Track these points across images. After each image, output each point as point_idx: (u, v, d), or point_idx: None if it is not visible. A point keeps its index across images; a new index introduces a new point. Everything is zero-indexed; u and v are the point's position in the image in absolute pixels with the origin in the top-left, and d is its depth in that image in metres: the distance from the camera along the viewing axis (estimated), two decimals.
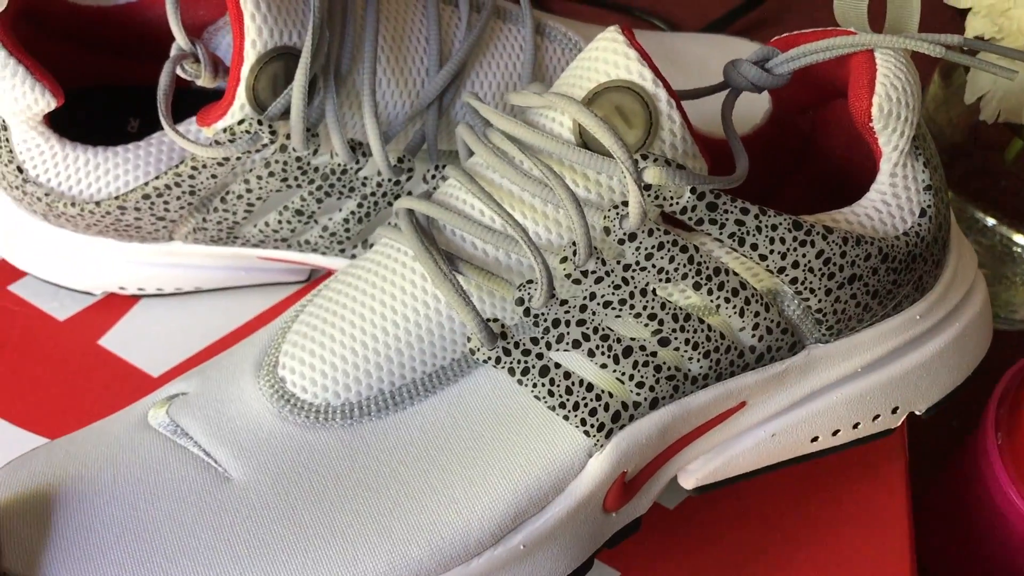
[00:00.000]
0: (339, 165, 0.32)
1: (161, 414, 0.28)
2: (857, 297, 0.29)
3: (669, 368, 0.28)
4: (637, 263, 0.27)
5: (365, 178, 0.33)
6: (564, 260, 0.27)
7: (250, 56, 0.30)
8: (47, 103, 0.31)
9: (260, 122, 0.31)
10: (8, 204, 0.36)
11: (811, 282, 0.28)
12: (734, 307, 0.28)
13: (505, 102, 0.35)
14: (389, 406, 0.28)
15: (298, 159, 0.32)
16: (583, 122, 0.26)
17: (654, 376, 0.28)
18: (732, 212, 0.27)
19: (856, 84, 0.29)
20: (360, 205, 0.33)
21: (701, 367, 0.28)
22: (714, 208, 0.27)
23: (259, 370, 0.28)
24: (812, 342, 0.30)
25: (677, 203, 0.27)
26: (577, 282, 0.27)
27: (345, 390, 0.27)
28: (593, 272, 0.27)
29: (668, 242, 0.27)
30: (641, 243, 0.27)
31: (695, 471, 0.31)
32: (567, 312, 0.27)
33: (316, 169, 0.32)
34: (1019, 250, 0.44)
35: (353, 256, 0.35)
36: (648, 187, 0.27)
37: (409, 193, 0.34)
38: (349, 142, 0.32)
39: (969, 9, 0.38)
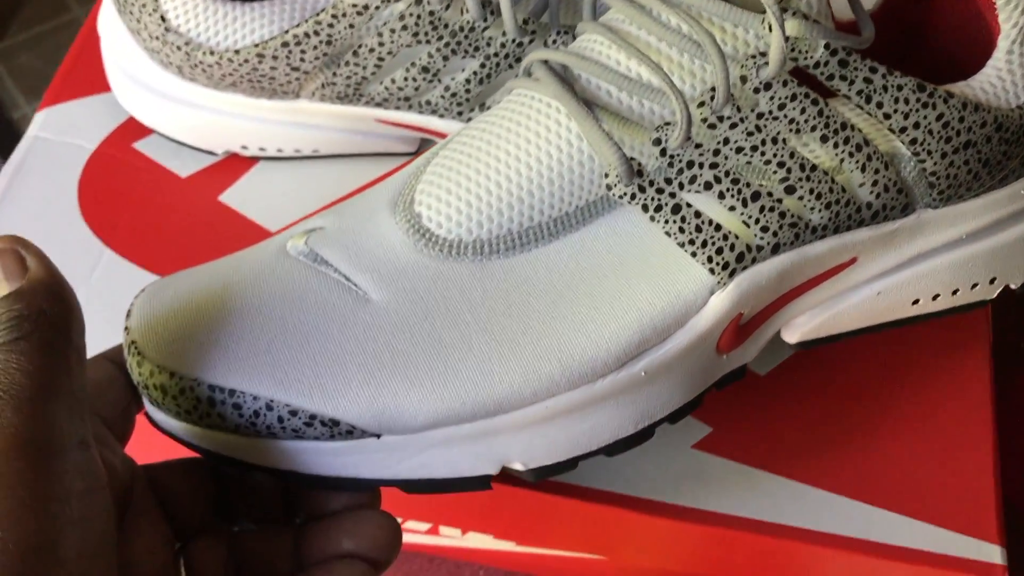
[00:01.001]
0: (468, 22, 0.34)
1: (300, 244, 0.30)
2: (970, 164, 0.31)
3: (792, 216, 0.29)
4: (770, 112, 0.28)
5: (490, 38, 0.34)
6: (701, 104, 0.28)
7: None
8: None
9: None
10: (141, 59, 0.38)
11: (929, 144, 0.30)
12: (856, 162, 0.29)
13: None
14: (517, 246, 0.29)
15: (431, 13, 0.34)
16: None
17: (778, 222, 0.29)
18: (861, 70, 0.29)
19: None
20: (483, 65, 0.35)
21: (821, 217, 0.30)
22: (845, 65, 0.28)
23: (395, 207, 0.30)
24: (923, 205, 0.31)
25: (811, 57, 0.28)
26: (712, 127, 0.28)
27: (477, 227, 0.29)
28: (728, 118, 0.28)
29: (801, 94, 0.28)
30: (775, 93, 0.28)
31: (801, 325, 0.32)
32: (701, 155, 0.28)
33: (446, 25, 0.34)
34: None
35: (469, 119, 0.37)
36: (787, 39, 0.28)
37: None
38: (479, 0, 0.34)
39: None
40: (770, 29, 0.28)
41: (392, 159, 0.40)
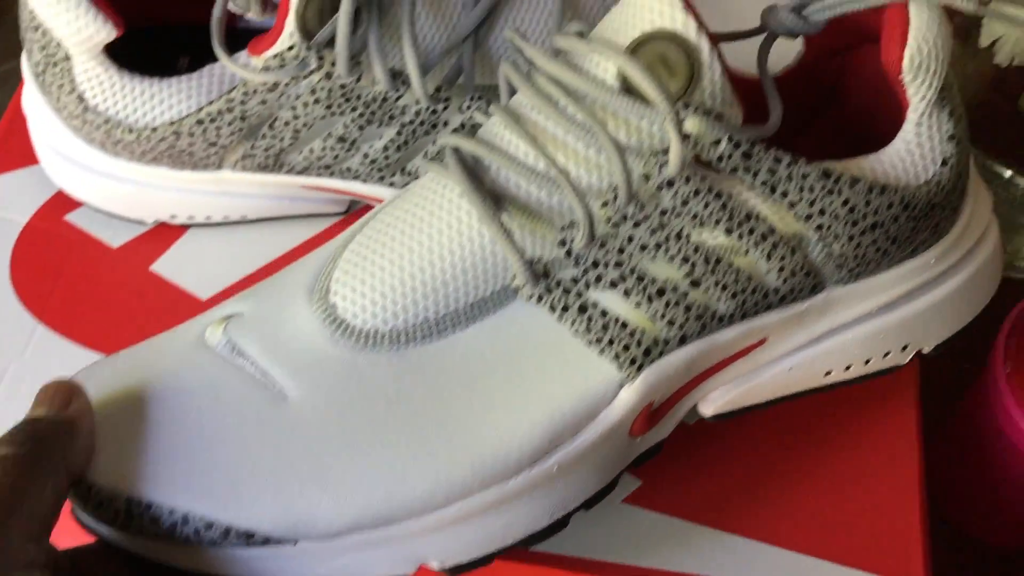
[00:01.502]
0: (380, 93, 0.34)
1: (218, 333, 0.30)
2: (878, 243, 0.31)
3: (698, 308, 0.30)
4: (673, 208, 0.28)
5: (404, 106, 0.35)
6: (604, 204, 0.28)
7: None
8: (108, 32, 0.33)
9: (308, 48, 0.33)
10: (66, 136, 0.38)
11: (835, 228, 0.30)
12: (762, 251, 0.30)
13: (548, 43, 0.37)
14: (433, 333, 0.29)
15: (342, 86, 0.34)
16: (628, 73, 0.27)
17: (684, 315, 0.30)
18: (765, 161, 0.29)
19: (889, 35, 0.30)
20: (399, 133, 0.35)
21: (728, 306, 0.30)
22: (748, 157, 0.28)
23: (312, 294, 0.30)
24: (832, 283, 0.31)
25: (714, 151, 0.28)
26: (616, 225, 0.28)
27: (393, 317, 0.29)
28: (632, 216, 0.28)
29: (704, 189, 0.28)
30: (678, 190, 0.28)
31: (715, 400, 0.33)
32: (606, 254, 0.29)
33: (359, 96, 0.34)
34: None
35: (392, 184, 0.37)
36: (687, 136, 0.28)
37: (446, 124, 0.35)
38: (390, 71, 0.34)
39: None
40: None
41: (324, 219, 0.41)
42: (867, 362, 0.34)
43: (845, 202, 0.30)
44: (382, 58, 0.33)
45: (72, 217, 0.41)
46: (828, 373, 0.34)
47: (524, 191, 0.29)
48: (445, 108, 0.35)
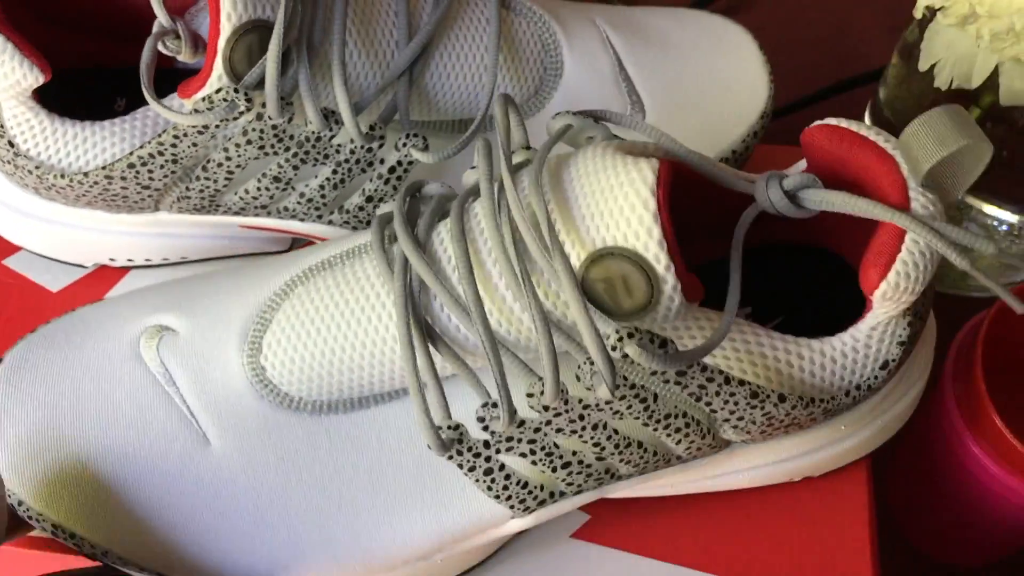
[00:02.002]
0: (313, 133, 0.34)
1: (152, 351, 0.32)
2: (790, 431, 0.32)
3: (600, 472, 0.31)
4: (596, 405, 0.29)
5: (339, 145, 0.34)
6: (531, 395, 0.28)
7: (226, 28, 0.31)
8: (35, 78, 0.33)
9: (236, 91, 0.32)
10: (1, 180, 0.37)
11: (751, 427, 0.30)
12: (673, 437, 0.30)
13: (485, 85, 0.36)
14: (353, 407, 0.31)
15: (274, 127, 0.34)
16: (571, 303, 0.26)
17: (584, 478, 0.31)
18: (696, 379, 0.28)
19: (875, 251, 0.28)
20: (335, 172, 0.35)
21: (628, 471, 0.31)
22: (683, 374, 0.28)
23: (243, 343, 0.31)
24: (736, 444, 0.32)
25: (645, 374, 0.28)
26: (538, 412, 0.29)
27: (317, 391, 0.30)
28: (554, 408, 0.28)
29: (630, 395, 0.28)
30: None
31: (617, 492, 0.33)
32: (522, 432, 0.29)
33: (291, 137, 0.34)
34: (989, 220, 0.45)
35: (330, 222, 0.37)
36: (625, 356, 0.27)
37: (382, 161, 0.35)
38: (322, 110, 0.34)
39: None
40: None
41: (264, 256, 0.40)
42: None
43: (767, 414, 0.30)
44: (314, 98, 0.33)
45: (10, 262, 0.40)
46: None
47: (453, 324, 0.29)
48: (381, 146, 0.35)
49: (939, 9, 0.39)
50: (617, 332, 0.27)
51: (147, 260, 0.39)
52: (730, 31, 0.40)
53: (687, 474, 0.33)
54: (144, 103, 0.35)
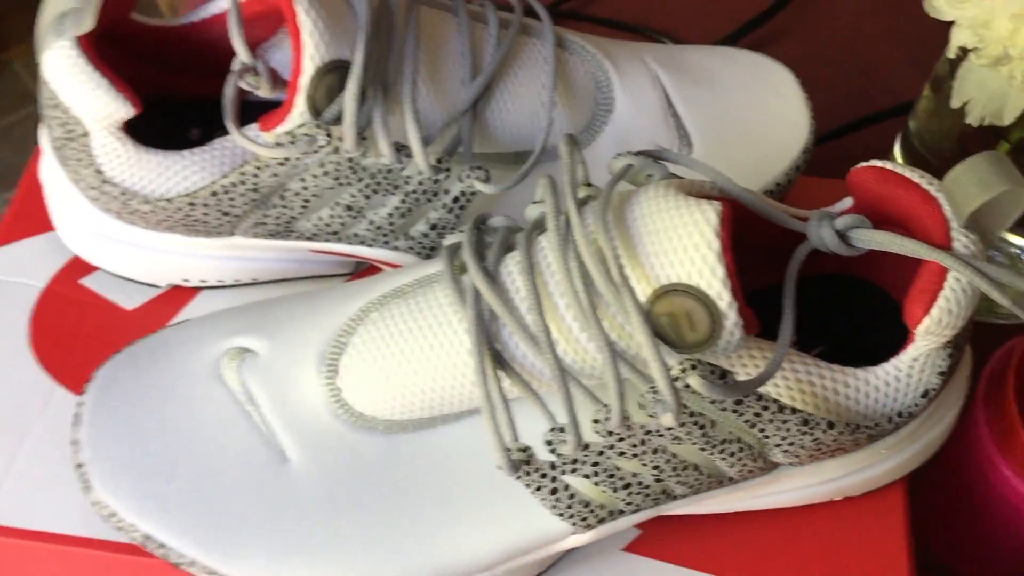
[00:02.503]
0: (385, 165, 0.36)
1: (233, 372, 0.34)
2: (836, 455, 0.33)
3: (657, 493, 0.32)
4: (657, 431, 0.31)
5: (407, 177, 0.37)
6: (596, 421, 0.30)
7: (308, 68, 0.33)
8: (127, 111, 0.35)
9: (318, 126, 0.34)
10: (83, 205, 0.40)
11: (800, 452, 0.32)
12: (728, 462, 0.32)
13: (544, 118, 0.38)
14: (423, 426, 0.33)
15: (349, 160, 0.36)
16: (638, 335, 0.28)
17: (642, 498, 0.32)
18: (752, 407, 0.30)
19: (920, 287, 0.30)
20: (403, 201, 0.37)
21: (683, 492, 0.33)
22: (739, 403, 0.30)
23: (320, 365, 0.33)
24: (783, 466, 0.34)
25: (705, 401, 0.30)
26: (602, 437, 0.31)
27: (391, 411, 0.32)
28: (617, 433, 0.30)
29: (690, 422, 0.30)
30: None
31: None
32: (586, 456, 0.31)
33: (365, 169, 0.36)
34: (1013, 250, 0.47)
35: (396, 248, 0.39)
36: (687, 386, 0.29)
37: (447, 191, 0.37)
38: (394, 145, 0.36)
39: (953, 22, 0.41)
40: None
41: (332, 280, 0.42)
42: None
43: (815, 440, 0.32)
44: (386, 133, 0.35)
45: (87, 281, 0.42)
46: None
47: (530, 362, 0.31)
48: (446, 177, 0.37)
49: (972, 50, 0.41)
50: (680, 364, 0.29)
51: (219, 281, 0.41)
52: (772, 68, 0.42)
53: (736, 494, 0.34)
54: (219, 133, 0.37)
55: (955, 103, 0.43)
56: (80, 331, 0.41)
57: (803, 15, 0.61)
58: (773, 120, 0.41)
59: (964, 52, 0.42)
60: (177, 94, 0.41)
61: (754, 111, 0.41)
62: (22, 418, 0.39)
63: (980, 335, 0.38)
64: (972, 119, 0.42)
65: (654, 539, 0.37)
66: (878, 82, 0.59)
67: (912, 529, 0.37)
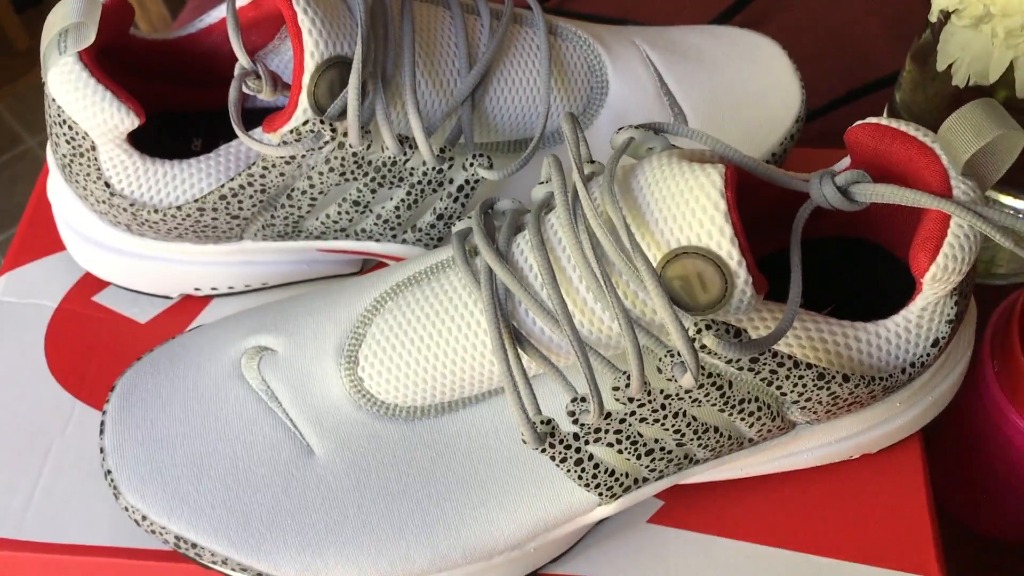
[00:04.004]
0: (389, 158, 0.37)
1: (253, 370, 0.34)
2: (852, 410, 0.34)
3: (680, 458, 0.33)
4: (677, 394, 0.31)
5: (412, 168, 0.37)
6: (616, 389, 0.31)
7: (309, 65, 0.34)
8: (131, 122, 0.36)
9: (322, 122, 0.35)
10: (91, 220, 0.40)
11: (817, 408, 0.33)
12: (747, 422, 0.33)
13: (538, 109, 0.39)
14: (444, 411, 0.33)
15: (354, 154, 0.36)
16: (655, 299, 0.28)
17: (665, 463, 0.33)
18: (768, 364, 0.31)
19: (923, 236, 0.31)
20: (408, 193, 0.38)
21: (705, 455, 0.33)
22: (755, 361, 0.31)
23: (340, 357, 0.33)
24: (802, 425, 0.34)
25: (723, 360, 0.30)
26: (623, 404, 0.31)
27: (412, 397, 0.33)
28: (638, 399, 0.31)
29: (708, 383, 0.31)
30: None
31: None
32: (608, 424, 0.32)
33: (370, 163, 0.37)
34: (1007, 211, 0.47)
35: (404, 241, 0.39)
36: (703, 347, 0.30)
37: (451, 181, 0.38)
38: (397, 136, 0.36)
39: None
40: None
41: (338, 279, 0.43)
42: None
43: (832, 394, 0.32)
44: (389, 126, 0.36)
45: (100, 298, 0.43)
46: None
47: (538, 328, 0.31)
48: (450, 166, 0.38)
49: (953, 12, 0.42)
50: (695, 325, 0.29)
51: (230, 288, 0.42)
52: (759, 43, 0.43)
53: (756, 456, 0.35)
54: (221, 142, 0.38)
55: (940, 66, 0.43)
56: (96, 347, 0.41)
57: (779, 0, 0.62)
58: (764, 92, 0.41)
59: (946, 15, 0.42)
60: (175, 107, 0.42)
61: (745, 84, 0.41)
62: (45, 436, 0.39)
63: (979, 296, 0.39)
64: (958, 80, 0.43)
65: (677, 509, 0.37)
66: (859, 58, 0.60)
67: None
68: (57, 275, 0.43)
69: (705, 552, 0.36)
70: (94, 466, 0.38)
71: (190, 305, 0.42)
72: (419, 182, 0.38)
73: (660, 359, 0.30)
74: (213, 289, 0.42)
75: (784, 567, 0.36)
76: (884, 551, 0.36)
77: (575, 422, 0.31)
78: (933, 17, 0.43)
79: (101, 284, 0.43)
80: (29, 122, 1.49)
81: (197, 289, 0.42)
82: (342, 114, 0.35)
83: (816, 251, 0.38)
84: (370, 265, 0.43)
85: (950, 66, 0.43)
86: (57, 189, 0.40)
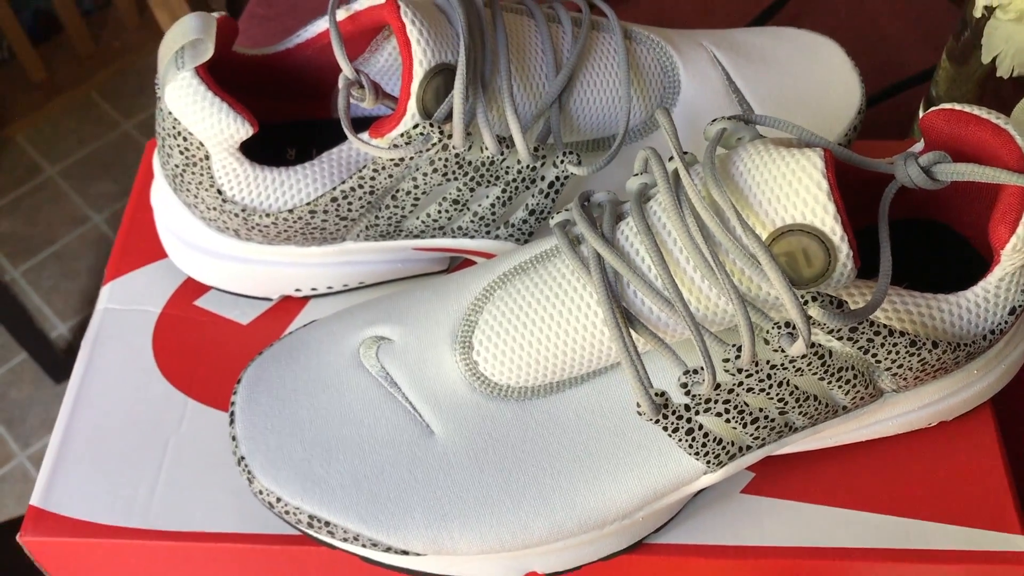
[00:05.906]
0: (488, 158, 0.39)
1: (372, 358, 0.37)
2: (937, 376, 0.36)
3: (780, 426, 0.35)
4: (782, 364, 0.33)
5: (507, 167, 0.40)
6: (727, 360, 0.33)
7: (418, 73, 0.37)
8: (246, 131, 0.38)
9: (431, 125, 0.37)
10: (196, 228, 0.42)
11: (907, 374, 0.35)
12: (844, 389, 0.35)
13: (624, 108, 0.42)
14: (553, 391, 0.35)
15: (456, 155, 0.39)
16: (770, 274, 0.30)
17: (767, 432, 0.35)
18: (866, 333, 0.33)
19: (1002, 211, 0.33)
20: (503, 191, 0.40)
21: (803, 423, 0.36)
22: (854, 331, 0.33)
23: (454, 343, 0.36)
24: (889, 393, 0.37)
25: (826, 329, 0.33)
26: (732, 375, 0.34)
27: (524, 378, 0.35)
28: (746, 370, 0.33)
29: (810, 353, 0.33)
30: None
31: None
32: (717, 393, 0.34)
33: (470, 163, 0.39)
34: None
35: (497, 237, 0.42)
36: (809, 317, 0.31)
37: (543, 178, 0.40)
38: (496, 137, 0.39)
39: None
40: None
41: (429, 276, 0.45)
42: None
43: (922, 360, 0.35)
44: (489, 127, 0.38)
45: (201, 302, 0.45)
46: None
47: (648, 308, 0.33)
48: (542, 164, 0.40)
49: (998, 6, 0.45)
50: (802, 297, 0.32)
51: (329, 288, 0.44)
52: (817, 41, 0.46)
53: (847, 424, 0.37)
54: (314, 150, 0.40)
55: (985, 59, 0.46)
56: (201, 348, 0.43)
57: (805, 5, 0.65)
58: (826, 86, 0.44)
59: (990, 11, 0.45)
60: (268, 119, 0.44)
61: (808, 80, 0.44)
62: (161, 432, 0.41)
63: None
64: (1003, 71, 0.46)
65: (768, 480, 0.39)
66: (887, 58, 0.63)
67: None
68: (158, 282, 0.45)
69: (797, 517, 0.39)
70: (211, 458, 0.40)
71: (289, 306, 0.45)
72: (514, 180, 0.40)
73: (767, 332, 0.32)
74: (313, 290, 0.44)
75: (872, 529, 0.38)
76: (967, 511, 0.38)
77: (687, 393, 0.34)
78: (977, 12, 0.46)
79: (201, 289, 0.45)
80: (47, 152, 1.50)
81: (297, 290, 0.44)
82: (447, 118, 0.38)
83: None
84: (457, 262, 0.45)
85: (993, 59, 0.46)
86: (162, 198, 0.43)
